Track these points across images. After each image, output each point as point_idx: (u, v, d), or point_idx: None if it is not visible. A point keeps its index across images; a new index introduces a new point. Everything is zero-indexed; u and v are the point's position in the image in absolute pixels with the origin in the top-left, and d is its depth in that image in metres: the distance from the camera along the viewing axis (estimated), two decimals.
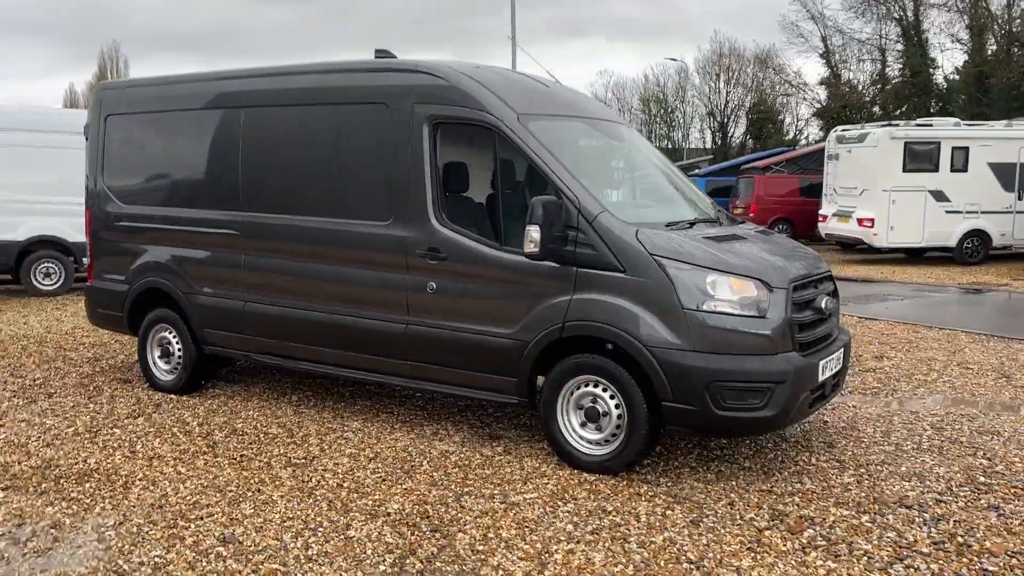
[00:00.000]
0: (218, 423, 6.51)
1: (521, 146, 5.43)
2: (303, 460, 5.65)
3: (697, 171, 30.56)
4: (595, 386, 5.30)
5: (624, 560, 4.17)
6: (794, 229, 22.63)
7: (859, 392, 7.39)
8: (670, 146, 58.78)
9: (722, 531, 4.51)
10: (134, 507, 4.85)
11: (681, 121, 57.87)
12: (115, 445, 6.00)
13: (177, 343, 7.33)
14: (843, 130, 20.14)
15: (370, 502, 4.91)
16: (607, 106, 7.17)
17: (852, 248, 20.20)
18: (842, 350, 5.70)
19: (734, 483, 5.19)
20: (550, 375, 5.44)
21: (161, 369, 7.50)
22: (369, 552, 4.27)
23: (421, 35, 73.50)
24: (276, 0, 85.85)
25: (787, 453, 5.73)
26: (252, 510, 4.82)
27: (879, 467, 5.46)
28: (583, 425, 5.37)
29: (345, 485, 5.18)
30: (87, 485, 5.21)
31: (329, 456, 5.73)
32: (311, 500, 4.95)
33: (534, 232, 5.12)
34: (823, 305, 5.42)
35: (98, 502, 4.95)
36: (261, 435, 6.21)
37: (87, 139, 7.94)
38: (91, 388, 7.63)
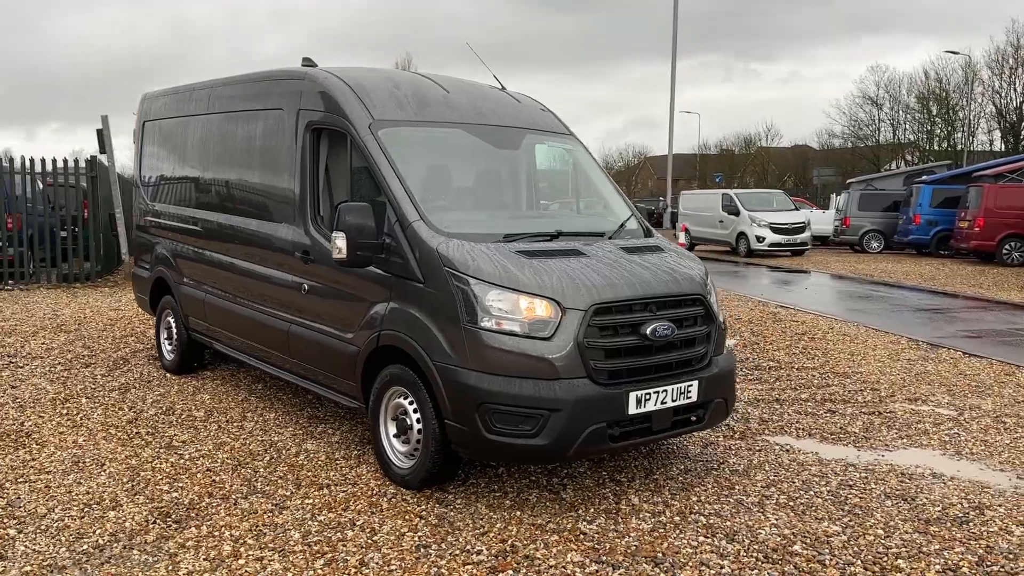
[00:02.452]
0: (163, 401, 7.15)
1: (364, 151, 5.43)
2: (181, 443, 6.08)
3: (923, 179, 27.37)
4: (405, 398, 5.18)
5: (293, 572, 4.10)
6: None
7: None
8: (949, 148, 53.29)
9: (440, 562, 4.25)
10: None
11: (965, 122, 52.16)
12: (64, 412, 6.82)
13: (175, 327, 8.12)
14: None
15: (166, 485, 5.20)
16: (546, 114, 6.74)
17: None
18: (697, 383, 5.07)
19: (519, 513, 4.83)
20: (375, 383, 5.40)
21: (166, 350, 8.34)
22: (109, 522, 4.55)
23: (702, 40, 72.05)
24: (569, 9, 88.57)
25: (620, 489, 5.20)
26: (72, 478, 5.30)
27: (694, 517, 4.80)
28: (396, 436, 5.27)
29: (171, 462, 5.52)
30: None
31: (202, 440, 6.10)
32: (126, 475, 5.35)
33: (339, 240, 5.12)
34: (649, 332, 4.86)
35: None
36: (184, 417, 6.75)
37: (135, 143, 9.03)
38: (119, 362, 8.65)
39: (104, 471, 5.47)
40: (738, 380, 7.93)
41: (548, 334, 4.65)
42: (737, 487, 5.28)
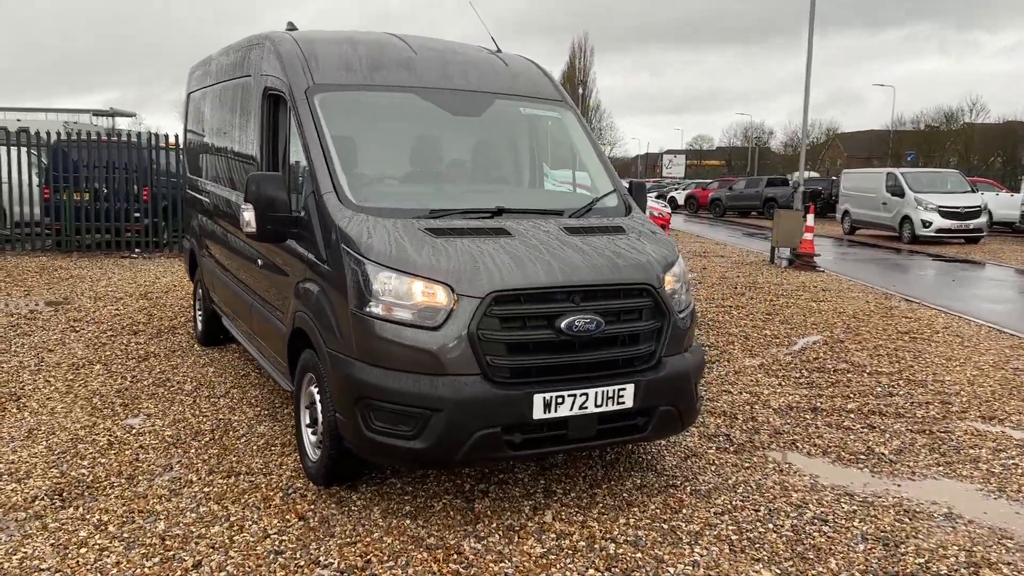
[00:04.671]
0: (168, 371, 7.15)
1: (297, 117, 5.03)
2: (146, 416, 6.00)
3: None
4: (315, 386, 4.77)
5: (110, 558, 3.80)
6: None
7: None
8: None
9: (278, 572, 3.82)
10: None
11: None
12: (70, 379, 6.96)
13: (203, 298, 8.15)
14: None
15: (87, 460, 5.08)
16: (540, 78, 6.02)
17: None
18: (632, 386, 4.31)
19: (408, 523, 4.29)
20: (297, 368, 5.02)
21: (197, 320, 8.40)
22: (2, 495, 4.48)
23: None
24: None
25: (543, 502, 4.53)
26: (13, 446, 5.30)
27: (602, 544, 4.06)
28: (308, 426, 4.88)
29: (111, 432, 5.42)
30: None
31: (166, 414, 5.99)
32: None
33: (246, 212, 4.76)
34: (565, 326, 4.17)
35: None
36: (171, 389, 6.70)
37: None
38: (164, 331, 8.83)
39: (47, 441, 5.44)
40: (788, 382, 6.96)
41: (436, 323, 4.07)
42: (683, 511, 4.49)
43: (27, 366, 7.29)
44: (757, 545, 4.12)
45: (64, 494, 4.60)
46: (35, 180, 15.77)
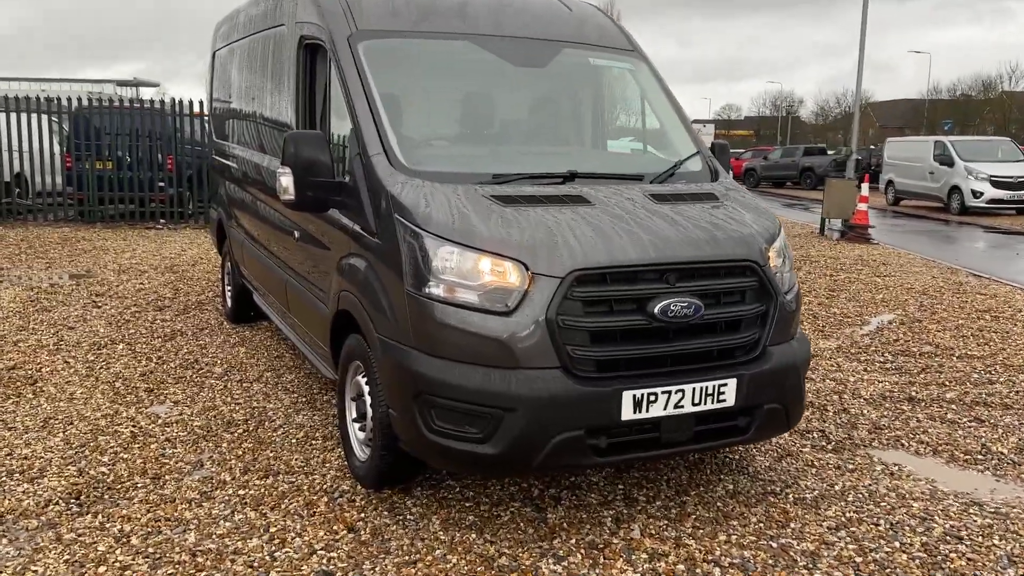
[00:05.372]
0: (196, 352, 6.61)
1: (339, 67, 4.39)
2: (173, 403, 5.46)
3: None
4: (363, 376, 4.19)
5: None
6: None
7: None
8: None
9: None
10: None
11: None
12: (90, 360, 6.44)
13: (232, 272, 7.58)
14: None
15: (108, 457, 4.54)
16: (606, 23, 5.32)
17: None
18: (734, 381, 3.68)
19: (473, 537, 3.71)
20: (342, 354, 4.43)
21: (227, 296, 7.84)
22: (12, 497, 3.94)
23: None
24: None
25: (627, 513, 3.93)
26: (28, 437, 4.78)
27: (705, 569, 3.45)
28: (355, 421, 4.29)
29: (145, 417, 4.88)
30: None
31: (195, 401, 5.45)
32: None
33: (283, 177, 4.15)
34: (659, 311, 3.53)
35: None
36: (200, 372, 6.16)
37: None
38: (192, 307, 8.29)
39: (64, 432, 4.91)
40: (873, 368, 6.30)
41: (508, 307, 3.46)
42: (792, 525, 3.87)
43: (46, 345, 6.78)
44: (887, 570, 3.49)
45: (82, 497, 4.06)
46: (57, 148, 15.28)
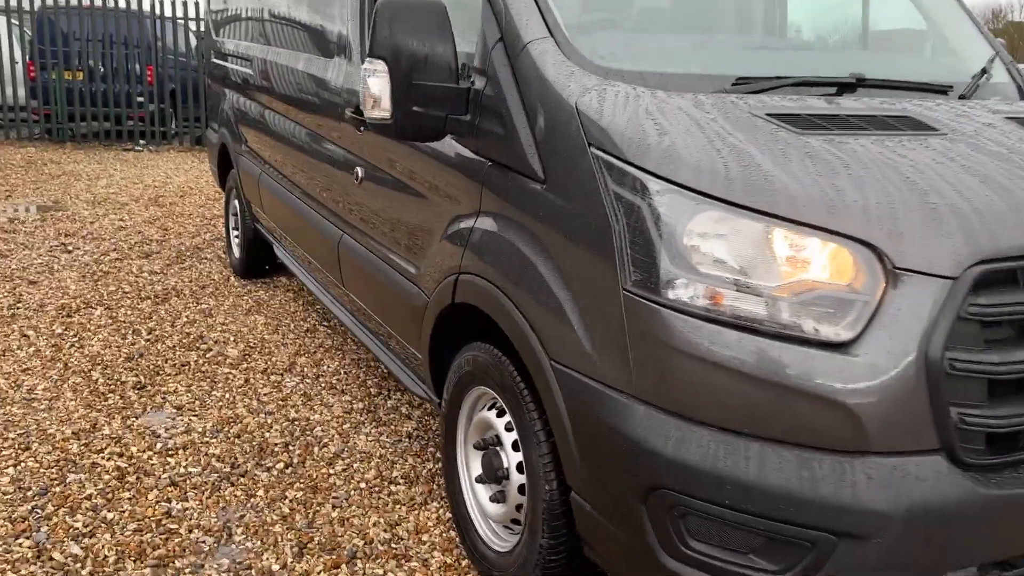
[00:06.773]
0: (199, 322, 4.93)
1: None
2: (175, 408, 3.81)
3: None
4: (492, 408, 2.55)
5: None
6: None
7: None
8: None
9: None
10: None
11: None
12: (58, 332, 4.75)
13: (240, 214, 5.85)
14: None
15: (74, 541, 2.91)
16: None
17: None
18: None
19: None
20: (452, 367, 2.77)
21: (233, 243, 6.13)
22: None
23: None
24: None
25: None
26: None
27: None
28: (482, 481, 2.66)
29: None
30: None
31: (206, 407, 3.80)
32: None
33: (372, 79, 2.42)
34: None
35: None
36: (210, 357, 4.50)
37: None
38: (186, 253, 6.57)
39: (15, 465, 3.26)
40: None
41: (847, 333, 1.78)
42: None
43: None
44: None
45: None
46: (18, 55, 13.18)
